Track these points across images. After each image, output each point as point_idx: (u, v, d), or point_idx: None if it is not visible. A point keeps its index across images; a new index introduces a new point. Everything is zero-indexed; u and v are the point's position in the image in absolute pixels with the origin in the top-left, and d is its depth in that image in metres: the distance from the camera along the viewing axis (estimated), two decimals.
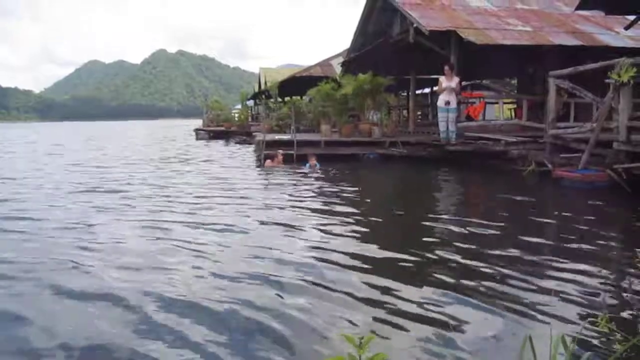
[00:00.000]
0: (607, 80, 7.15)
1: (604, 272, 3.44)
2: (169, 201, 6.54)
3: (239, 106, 33.79)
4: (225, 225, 4.94)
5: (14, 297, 3.06)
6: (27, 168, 11.85)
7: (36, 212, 5.84)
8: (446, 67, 10.81)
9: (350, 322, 2.62)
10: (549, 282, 3.18)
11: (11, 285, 3.26)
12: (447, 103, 10.67)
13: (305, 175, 9.33)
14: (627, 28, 11.11)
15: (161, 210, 5.85)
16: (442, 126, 10.86)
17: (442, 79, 10.92)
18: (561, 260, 3.68)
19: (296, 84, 23.12)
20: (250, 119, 30.62)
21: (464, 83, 13.70)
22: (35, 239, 4.53)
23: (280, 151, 11.09)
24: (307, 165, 10.11)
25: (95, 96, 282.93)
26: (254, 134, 17.78)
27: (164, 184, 8.47)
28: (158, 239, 4.46)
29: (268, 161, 10.89)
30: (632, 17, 10.55)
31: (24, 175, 10.13)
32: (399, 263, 3.68)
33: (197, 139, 26.81)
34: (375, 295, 3.01)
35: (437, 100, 11.31)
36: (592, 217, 5.53)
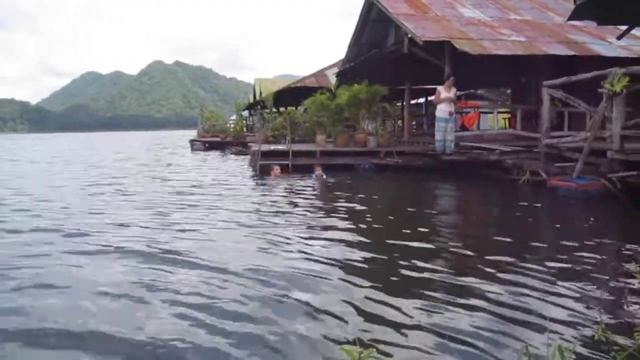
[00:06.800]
0: (600, 90, 7.20)
1: (600, 281, 3.43)
2: None
3: (234, 117, 33.85)
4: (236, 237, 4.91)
5: None
6: None
7: None
8: (447, 79, 10.92)
9: (347, 333, 2.59)
10: (545, 292, 3.17)
11: None
12: (451, 114, 10.77)
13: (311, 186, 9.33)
14: (619, 38, 11.21)
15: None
16: (439, 136, 10.89)
17: (440, 88, 11.02)
18: (557, 270, 3.67)
19: (291, 94, 23.20)
20: (245, 130, 30.63)
21: (458, 93, 13.78)
22: None
23: (277, 167, 10.97)
24: (314, 176, 10.29)
25: (92, 107, 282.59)
26: (249, 144, 17.68)
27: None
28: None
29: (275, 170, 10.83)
30: (624, 27, 10.65)
31: None
32: (393, 273, 3.65)
33: (193, 149, 25.74)
34: (370, 306, 2.98)
35: (434, 110, 11.36)
36: (587, 226, 5.54)
